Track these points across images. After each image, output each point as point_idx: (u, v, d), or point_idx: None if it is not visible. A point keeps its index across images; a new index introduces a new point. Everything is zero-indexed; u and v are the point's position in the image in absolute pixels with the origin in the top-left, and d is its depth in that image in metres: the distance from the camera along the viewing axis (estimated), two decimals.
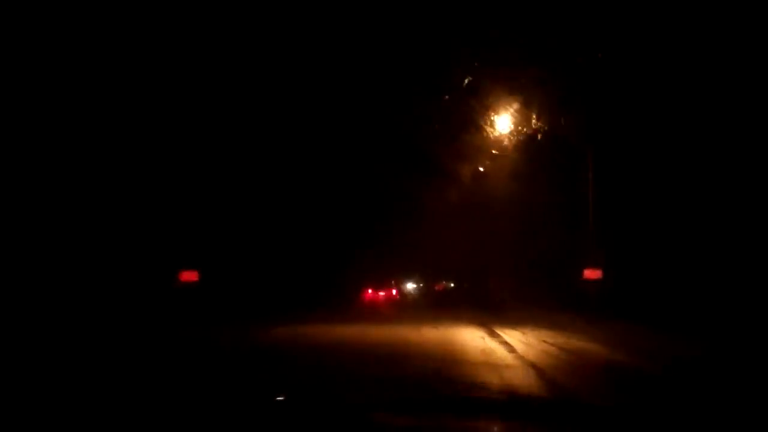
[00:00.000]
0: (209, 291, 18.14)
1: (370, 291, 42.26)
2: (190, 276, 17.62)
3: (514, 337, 12.15)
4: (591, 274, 15.94)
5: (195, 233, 20.27)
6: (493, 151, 18.48)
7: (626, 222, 16.66)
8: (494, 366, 8.35)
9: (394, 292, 47.73)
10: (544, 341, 11.24)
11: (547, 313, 17.05)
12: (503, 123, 16.94)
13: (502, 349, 10.35)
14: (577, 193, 17.17)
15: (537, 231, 21.96)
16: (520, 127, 16.85)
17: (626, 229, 16.68)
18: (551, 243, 20.24)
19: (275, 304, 20.41)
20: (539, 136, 16.81)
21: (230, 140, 21.24)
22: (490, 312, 20.05)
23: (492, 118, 16.80)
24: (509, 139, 17.51)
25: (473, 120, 17.09)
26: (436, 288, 52.59)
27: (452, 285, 51.05)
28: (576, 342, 11.14)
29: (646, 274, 15.55)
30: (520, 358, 9.18)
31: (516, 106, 16.21)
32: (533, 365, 8.41)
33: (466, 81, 15.37)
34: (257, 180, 23.86)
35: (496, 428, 3.04)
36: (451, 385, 6.77)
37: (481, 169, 21.71)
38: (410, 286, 57.10)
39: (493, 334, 12.73)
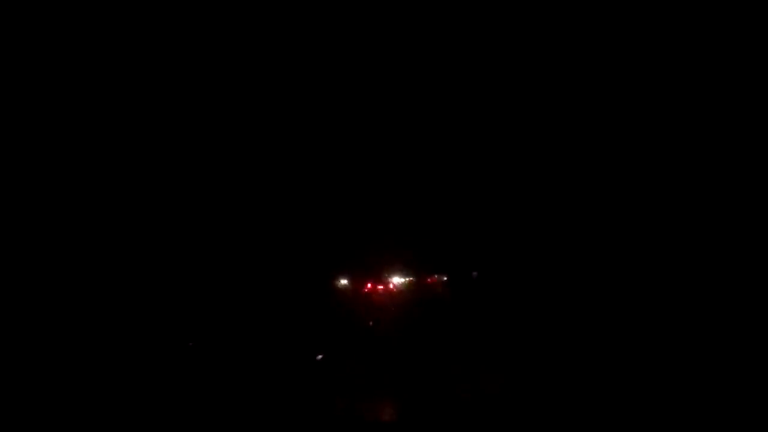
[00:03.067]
0: None
1: (369, 285, 44.77)
2: None
3: None
4: None
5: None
6: None
7: None
8: None
9: (391, 285, 50.25)
10: None
11: None
12: None
13: None
14: None
15: None
16: None
17: None
18: None
19: None
20: None
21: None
22: None
23: None
24: None
25: None
26: (429, 281, 51.57)
27: (445, 279, 48.43)
28: None
29: None
30: None
31: None
32: None
33: None
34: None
35: None
36: None
37: None
38: (397, 280, 56.72)
39: None
